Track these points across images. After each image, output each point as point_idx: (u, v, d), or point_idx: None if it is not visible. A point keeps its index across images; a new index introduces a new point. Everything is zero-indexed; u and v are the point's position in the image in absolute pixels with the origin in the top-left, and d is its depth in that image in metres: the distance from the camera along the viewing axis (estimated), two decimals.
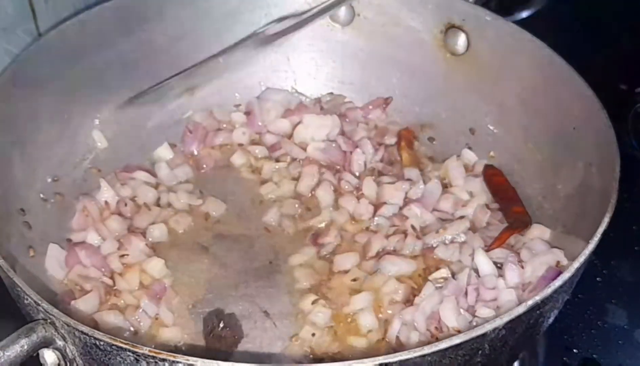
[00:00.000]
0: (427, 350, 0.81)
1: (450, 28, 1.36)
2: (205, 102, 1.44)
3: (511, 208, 1.26)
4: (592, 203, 1.08)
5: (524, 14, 1.44)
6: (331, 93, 1.48)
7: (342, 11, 1.43)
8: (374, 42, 1.44)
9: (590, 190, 1.12)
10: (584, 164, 1.15)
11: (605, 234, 0.96)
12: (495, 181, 1.32)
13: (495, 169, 1.34)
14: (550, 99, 1.25)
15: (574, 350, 1.17)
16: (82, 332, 0.83)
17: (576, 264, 0.93)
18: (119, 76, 1.33)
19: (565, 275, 0.91)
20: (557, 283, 0.89)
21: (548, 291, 0.88)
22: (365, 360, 0.79)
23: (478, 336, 0.83)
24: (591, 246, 0.95)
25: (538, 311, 0.89)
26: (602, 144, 1.10)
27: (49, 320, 0.86)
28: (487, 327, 0.83)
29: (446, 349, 0.81)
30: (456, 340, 0.81)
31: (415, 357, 0.80)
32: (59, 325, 0.85)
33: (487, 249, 1.19)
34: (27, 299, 0.88)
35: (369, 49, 1.45)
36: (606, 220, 0.98)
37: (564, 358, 1.16)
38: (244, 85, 1.46)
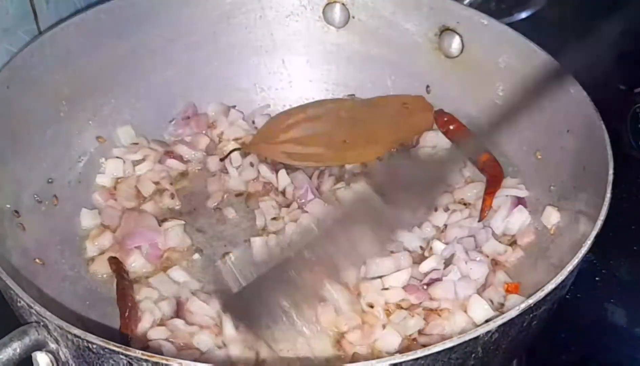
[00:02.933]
0: (420, 353, 0.81)
1: (445, 31, 1.36)
2: (200, 103, 1.44)
3: (479, 155, 1.29)
4: (586, 205, 1.08)
5: (524, 14, 1.44)
6: None
7: (337, 14, 1.43)
8: (368, 44, 1.44)
9: (585, 192, 1.12)
10: (578, 166, 1.15)
11: (604, 233, 0.96)
12: (454, 129, 1.36)
13: (447, 114, 1.37)
14: (544, 101, 1.25)
15: (573, 349, 1.17)
16: (75, 335, 0.83)
17: (569, 267, 0.93)
18: (113, 78, 1.34)
19: (559, 278, 0.91)
20: (551, 286, 0.89)
21: (541, 294, 0.88)
22: (356, 364, 0.79)
23: (471, 340, 0.83)
24: (584, 249, 0.95)
25: (531, 315, 0.89)
26: (596, 147, 1.10)
27: (41, 323, 0.86)
28: (480, 330, 0.83)
29: (439, 352, 0.81)
30: (449, 344, 0.81)
31: (409, 360, 0.80)
32: (51, 327, 0.85)
33: (480, 219, 1.23)
34: (20, 302, 0.88)
35: (363, 52, 1.45)
36: (599, 223, 0.97)
37: (563, 357, 1.16)
38: (239, 87, 1.46)
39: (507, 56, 1.30)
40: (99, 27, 1.30)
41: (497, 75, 1.32)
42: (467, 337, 0.82)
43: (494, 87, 1.33)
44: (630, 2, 1.29)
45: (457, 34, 1.35)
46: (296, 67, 1.48)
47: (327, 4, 1.43)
